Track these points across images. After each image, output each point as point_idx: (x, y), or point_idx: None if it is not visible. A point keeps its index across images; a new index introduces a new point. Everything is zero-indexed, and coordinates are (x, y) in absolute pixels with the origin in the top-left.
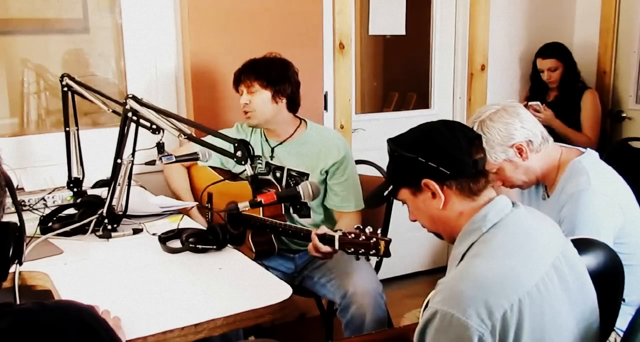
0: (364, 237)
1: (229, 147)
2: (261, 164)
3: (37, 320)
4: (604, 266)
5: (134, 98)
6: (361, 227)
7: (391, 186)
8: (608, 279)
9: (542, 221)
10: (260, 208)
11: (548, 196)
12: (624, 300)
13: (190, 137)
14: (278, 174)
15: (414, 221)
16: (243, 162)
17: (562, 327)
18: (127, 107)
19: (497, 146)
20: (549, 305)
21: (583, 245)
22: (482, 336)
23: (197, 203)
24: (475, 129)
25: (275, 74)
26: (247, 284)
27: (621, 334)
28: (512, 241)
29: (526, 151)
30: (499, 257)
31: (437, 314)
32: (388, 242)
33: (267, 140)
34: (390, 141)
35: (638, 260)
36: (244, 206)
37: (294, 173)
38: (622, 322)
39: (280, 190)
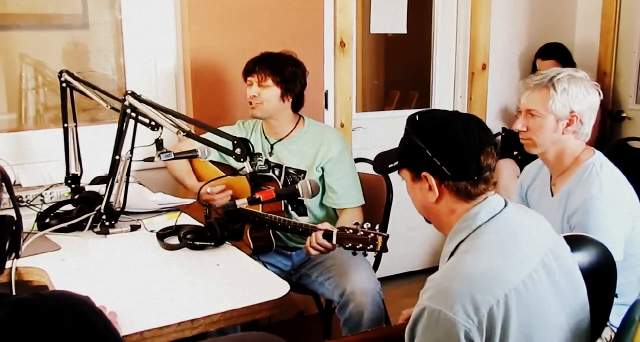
0: (362, 232)
1: (229, 144)
2: (261, 161)
3: (35, 309)
4: (596, 262)
5: (133, 94)
6: (359, 223)
7: (397, 162)
8: (600, 276)
9: (533, 219)
10: (260, 205)
11: (552, 195)
12: (616, 296)
13: (189, 134)
14: (277, 172)
15: None
16: (242, 160)
17: (550, 322)
18: (126, 103)
19: (565, 99)
20: (537, 301)
21: (575, 242)
22: (468, 332)
23: (195, 200)
24: (561, 74)
25: (289, 73)
26: (244, 280)
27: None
28: (500, 239)
29: (573, 126)
30: (486, 254)
31: (425, 310)
32: (386, 237)
33: (266, 137)
34: (409, 121)
35: (636, 261)
36: (241, 202)
37: (291, 171)
38: (618, 319)
39: (279, 187)
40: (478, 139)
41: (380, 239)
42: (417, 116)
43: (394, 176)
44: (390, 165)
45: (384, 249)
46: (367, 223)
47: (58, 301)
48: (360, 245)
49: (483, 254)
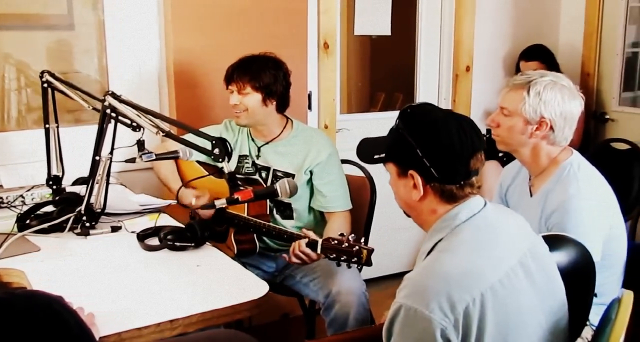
0: (347, 244)
1: (208, 144)
2: (248, 163)
3: (6, 307)
4: (575, 262)
5: (113, 95)
6: (345, 234)
7: (384, 154)
8: (579, 275)
9: (511, 218)
10: (245, 207)
11: (531, 195)
12: (595, 295)
13: (168, 135)
14: (264, 174)
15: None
16: (220, 160)
17: (528, 321)
18: (106, 103)
19: (536, 103)
20: (514, 300)
21: (554, 241)
22: (444, 330)
23: (175, 201)
24: (543, 78)
25: (267, 77)
26: (224, 281)
27: None
28: (478, 238)
29: (542, 131)
30: (463, 253)
31: (402, 308)
32: (370, 251)
33: (253, 139)
34: (403, 115)
35: (615, 260)
36: (220, 203)
37: (279, 174)
38: (598, 318)
39: None
40: (470, 144)
41: (365, 252)
42: (411, 111)
43: (378, 178)
44: (376, 156)
45: (369, 262)
46: (353, 235)
47: (30, 300)
48: (345, 257)
49: (460, 252)
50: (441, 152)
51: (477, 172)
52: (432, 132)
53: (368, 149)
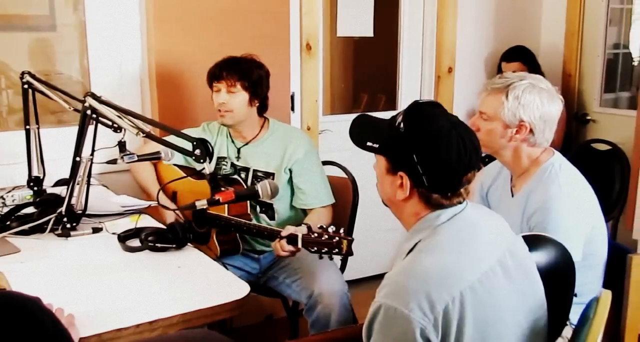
0: (326, 236)
1: (189, 145)
2: (226, 165)
3: None
4: (555, 262)
5: (93, 96)
6: (324, 226)
7: (377, 145)
8: (559, 275)
9: (491, 219)
10: (226, 207)
11: (512, 195)
12: (575, 295)
13: (148, 136)
14: (243, 175)
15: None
16: (202, 161)
17: (507, 321)
18: (86, 104)
19: (515, 107)
20: (493, 299)
21: (534, 241)
22: (424, 329)
23: (156, 202)
24: (522, 82)
25: (256, 77)
26: (205, 282)
27: None
28: (457, 238)
29: (522, 134)
30: (442, 253)
31: (382, 308)
32: (350, 241)
33: (232, 141)
34: (409, 113)
35: (596, 260)
36: (201, 204)
37: (259, 174)
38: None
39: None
40: (467, 162)
41: (345, 242)
42: (417, 111)
43: (361, 179)
44: (369, 144)
45: (349, 252)
46: (332, 226)
47: (5, 301)
48: (326, 249)
49: (440, 252)
50: (437, 165)
51: (468, 182)
52: (432, 143)
53: (362, 132)
